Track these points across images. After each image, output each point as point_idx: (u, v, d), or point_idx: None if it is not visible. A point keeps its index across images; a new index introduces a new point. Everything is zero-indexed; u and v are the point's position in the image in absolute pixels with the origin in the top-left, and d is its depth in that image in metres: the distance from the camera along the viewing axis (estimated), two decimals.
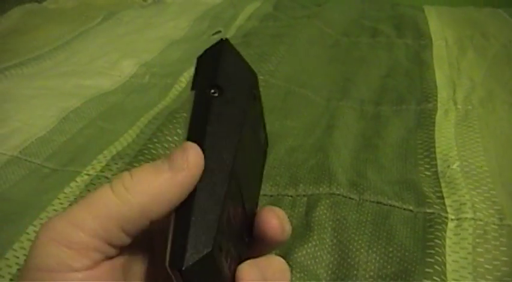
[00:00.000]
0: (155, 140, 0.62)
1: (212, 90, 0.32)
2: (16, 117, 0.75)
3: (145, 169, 0.30)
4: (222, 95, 0.32)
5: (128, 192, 0.28)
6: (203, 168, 0.30)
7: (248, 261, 0.32)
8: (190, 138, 0.31)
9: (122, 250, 0.31)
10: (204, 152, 0.30)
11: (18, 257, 0.48)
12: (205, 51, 0.34)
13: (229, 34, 1.05)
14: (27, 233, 0.51)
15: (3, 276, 0.47)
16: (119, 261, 0.31)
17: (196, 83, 0.33)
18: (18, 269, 0.47)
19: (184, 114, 0.33)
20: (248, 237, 0.34)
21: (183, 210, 0.29)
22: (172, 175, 0.29)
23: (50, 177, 0.62)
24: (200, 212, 0.29)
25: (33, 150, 0.67)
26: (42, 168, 0.64)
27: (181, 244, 0.28)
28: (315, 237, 0.49)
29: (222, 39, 0.34)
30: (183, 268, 0.28)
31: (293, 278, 0.45)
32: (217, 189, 0.30)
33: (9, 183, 0.61)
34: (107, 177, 0.60)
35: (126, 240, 0.30)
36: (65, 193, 0.57)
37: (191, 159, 0.29)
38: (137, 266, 0.32)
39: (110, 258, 0.30)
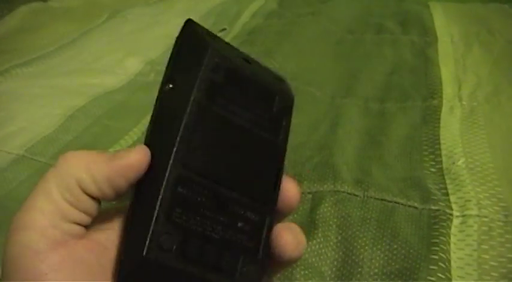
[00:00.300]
0: None
1: (169, 85, 0.33)
2: (22, 116, 0.75)
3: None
4: (173, 88, 0.33)
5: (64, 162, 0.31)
6: (144, 168, 0.31)
7: None
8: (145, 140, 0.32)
9: (90, 237, 0.31)
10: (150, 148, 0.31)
11: None
12: (176, 39, 0.35)
13: (234, 32, 1.05)
14: None
15: None
16: (90, 246, 0.31)
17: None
18: None
19: None
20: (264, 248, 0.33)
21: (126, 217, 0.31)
22: (110, 157, 0.31)
23: None
24: (137, 216, 0.30)
25: (39, 149, 0.68)
26: (48, 166, 0.64)
27: (120, 259, 0.30)
28: (320, 234, 0.49)
29: (186, 21, 0.35)
30: (121, 277, 0.29)
31: (297, 276, 0.45)
32: (155, 183, 0.30)
33: (15, 182, 0.62)
34: None
35: (82, 203, 0.30)
36: None
37: (133, 153, 0.31)
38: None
39: (76, 238, 0.30)
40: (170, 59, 0.34)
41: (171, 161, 0.30)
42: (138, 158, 0.31)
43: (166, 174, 0.29)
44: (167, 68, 0.34)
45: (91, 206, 0.31)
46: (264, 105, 0.36)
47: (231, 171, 0.33)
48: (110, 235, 0.32)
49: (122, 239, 0.31)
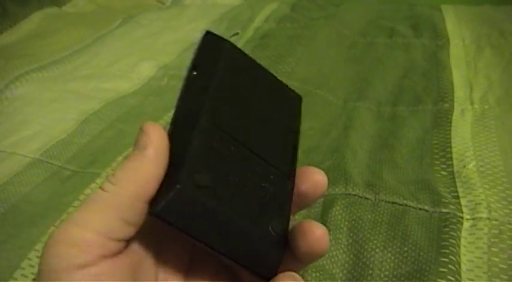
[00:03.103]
0: None
1: (194, 72, 0.36)
2: (37, 120, 0.76)
3: (121, 162, 0.33)
4: (197, 74, 0.36)
5: (115, 185, 0.31)
6: (165, 136, 0.33)
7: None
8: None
9: (129, 249, 0.33)
10: (176, 115, 0.34)
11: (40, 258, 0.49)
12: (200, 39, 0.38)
13: (246, 36, 1.06)
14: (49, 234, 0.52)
15: (26, 276, 0.48)
16: (126, 260, 0.32)
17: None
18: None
19: None
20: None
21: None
22: (140, 154, 0.32)
23: (70, 179, 0.63)
24: (173, 159, 0.32)
25: (54, 152, 0.69)
26: (63, 170, 0.65)
27: (157, 193, 0.31)
28: (331, 237, 0.49)
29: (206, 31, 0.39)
30: (157, 210, 0.30)
31: (309, 278, 0.45)
32: (187, 135, 0.33)
33: (31, 185, 0.62)
34: None
35: (128, 230, 0.31)
36: (85, 195, 0.58)
37: (150, 134, 0.32)
38: (148, 268, 0.34)
39: (115, 254, 0.31)
40: (194, 54, 0.37)
41: (203, 114, 0.33)
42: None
43: (199, 124, 0.33)
44: (192, 60, 0.37)
45: (140, 219, 0.32)
46: (277, 96, 0.41)
47: (253, 138, 0.36)
48: (148, 242, 0.34)
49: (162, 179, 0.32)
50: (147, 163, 0.32)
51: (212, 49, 0.38)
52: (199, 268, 0.37)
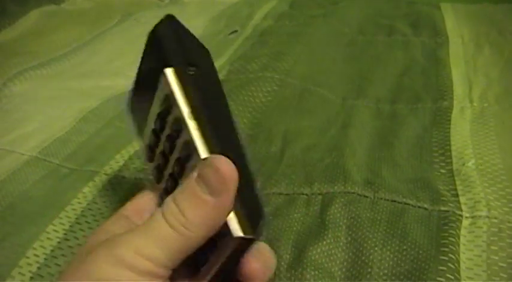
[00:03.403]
0: None
1: (191, 68, 0.36)
2: (35, 117, 0.76)
3: (189, 200, 0.32)
4: (198, 72, 0.36)
5: (186, 229, 0.31)
6: (238, 179, 0.32)
7: None
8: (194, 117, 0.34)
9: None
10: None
11: (38, 256, 0.49)
12: (156, 28, 0.39)
13: (245, 33, 1.06)
14: (47, 232, 0.52)
15: (24, 275, 0.47)
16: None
17: (162, 59, 0.37)
18: (38, 268, 0.48)
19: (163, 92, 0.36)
20: None
21: None
22: (216, 201, 0.31)
23: (68, 177, 0.63)
24: None
25: (52, 150, 0.68)
26: (61, 168, 0.65)
27: None
28: (330, 235, 0.49)
29: (168, 16, 0.39)
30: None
31: (307, 276, 0.45)
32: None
33: (28, 183, 0.62)
34: (124, 177, 0.61)
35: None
36: (84, 193, 0.58)
37: (227, 179, 0.32)
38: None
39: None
40: (165, 42, 0.39)
41: None
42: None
43: None
44: (164, 50, 0.39)
45: None
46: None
47: None
48: None
49: None
50: (224, 212, 0.32)
51: (188, 41, 0.39)
52: None
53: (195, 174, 0.32)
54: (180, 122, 0.35)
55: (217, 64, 0.87)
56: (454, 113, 0.72)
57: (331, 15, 1.10)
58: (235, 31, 1.09)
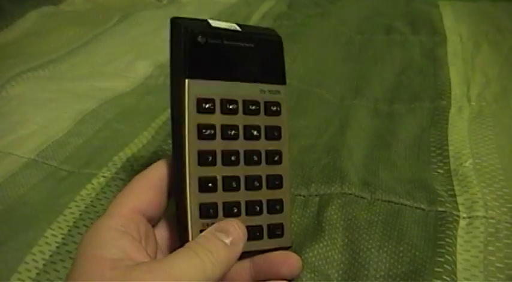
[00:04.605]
0: (170, 141, 0.63)
1: None
2: (33, 120, 0.76)
3: (214, 239, 0.39)
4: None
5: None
6: None
7: None
8: None
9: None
10: None
11: (37, 261, 0.49)
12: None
13: None
14: (46, 237, 0.52)
15: (23, 280, 0.47)
16: None
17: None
18: (37, 273, 0.48)
19: None
20: None
21: None
22: (232, 249, 0.39)
23: (66, 179, 0.63)
24: None
25: (49, 153, 0.68)
26: (59, 170, 0.65)
27: None
28: (326, 237, 0.49)
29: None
30: None
31: (304, 279, 0.45)
32: None
33: (26, 186, 0.62)
34: (122, 179, 0.60)
35: None
36: (82, 195, 0.58)
37: (241, 232, 0.40)
38: None
39: None
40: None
41: None
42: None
43: None
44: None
45: None
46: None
47: None
48: None
49: None
50: (234, 258, 0.38)
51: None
52: None
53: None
54: None
55: None
56: (452, 112, 0.72)
57: (329, 15, 1.10)
58: None
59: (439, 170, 0.60)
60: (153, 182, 0.42)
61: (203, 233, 0.39)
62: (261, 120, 0.44)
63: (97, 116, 0.77)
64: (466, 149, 0.63)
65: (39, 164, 0.66)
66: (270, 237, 0.44)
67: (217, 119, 0.42)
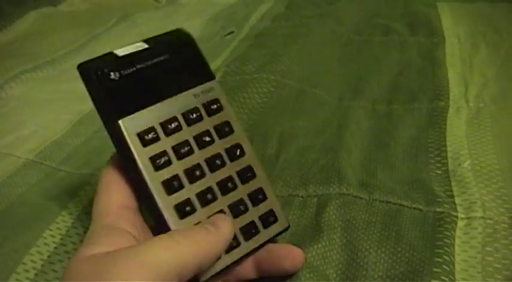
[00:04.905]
0: None
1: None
2: (32, 120, 0.76)
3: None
4: None
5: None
6: None
7: None
8: None
9: None
10: None
11: (35, 262, 0.49)
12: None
13: (242, 34, 1.06)
14: (44, 238, 0.52)
15: (21, 281, 0.47)
16: None
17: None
18: (35, 274, 0.48)
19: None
20: None
21: None
22: (217, 234, 0.38)
23: (65, 180, 0.63)
24: None
25: (48, 153, 0.69)
26: (58, 171, 0.65)
27: None
28: (325, 237, 0.49)
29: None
30: None
31: (302, 279, 0.45)
32: None
33: (25, 186, 0.62)
34: None
35: None
36: (80, 196, 0.58)
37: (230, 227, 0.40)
38: None
39: None
40: None
41: None
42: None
43: None
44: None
45: None
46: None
47: None
48: None
49: None
50: (222, 245, 0.38)
51: None
52: None
53: None
54: None
55: (214, 65, 0.87)
56: (450, 113, 0.72)
57: (327, 16, 1.10)
58: (232, 32, 1.09)
59: (437, 171, 0.60)
60: (122, 174, 0.42)
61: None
62: (208, 123, 0.44)
63: (95, 117, 0.76)
64: (464, 149, 0.63)
65: (38, 165, 0.66)
66: (265, 227, 0.44)
67: (166, 143, 0.41)
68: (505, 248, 0.48)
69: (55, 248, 0.51)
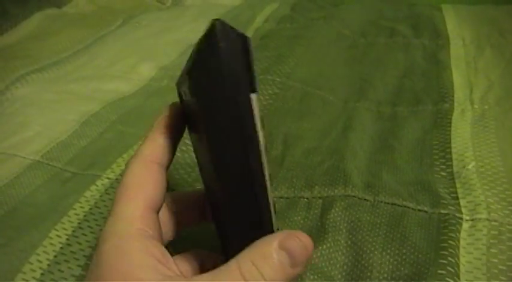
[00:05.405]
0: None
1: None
2: (37, 121, 0.76)
3: (274, 269, 0.34)
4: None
5: None
6: None
7: None
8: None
9: None
10: None
11: (41, 262, 0.50)
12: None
13: None
14: (50, 238, 0.52)
15: (27, 280, 0.48)
16: None
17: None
18: (41, 274, 0.48)
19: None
20: None
21: None
22: (296, 272, 0.34)
23: (70, 181, 0.63)
24: None
25: (54, 154, 0.69)
26: (63, 172, 0.66)
27: None
28: (330, 239, 0.49)
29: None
30: None
31: (307, 280, 0.45)
32: None
33: (31, 187, 0.62)
34: None
35: None
36: (86, 197, 0.58)
37: (310, 252, 0.35)
38: None
39: None
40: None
41: None
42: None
43: None
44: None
45: None
46: None
47: None
48: None
49: None
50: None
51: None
52: None
53: (275, 243, 0.34)
54: None
55: None
56: (455, 115, 0.72)
57: (332, 18, 1.10)
58: None
59: (442, 173, 0.60)
60: (154, 168, 0.37)
61: (262, 245, 0.35)
62: None
63: (101, 118, 0.77)
64: (468, 151, 0.63)
65: (44, 166, 0.67)
66: None
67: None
68: (510, 249, 0.49)
69: (61, 248, 0.51)
